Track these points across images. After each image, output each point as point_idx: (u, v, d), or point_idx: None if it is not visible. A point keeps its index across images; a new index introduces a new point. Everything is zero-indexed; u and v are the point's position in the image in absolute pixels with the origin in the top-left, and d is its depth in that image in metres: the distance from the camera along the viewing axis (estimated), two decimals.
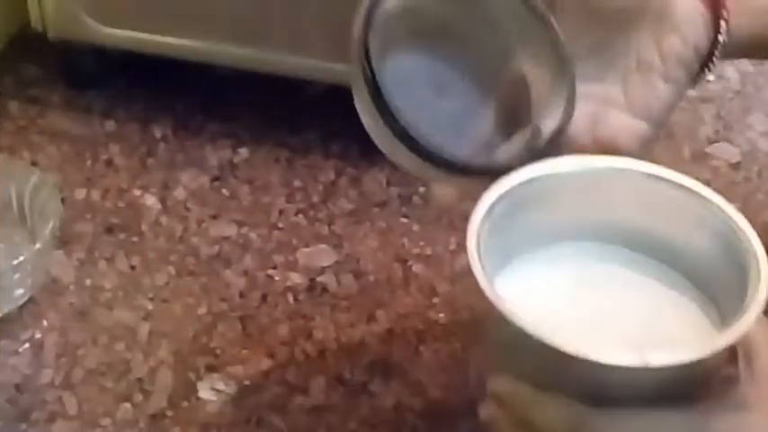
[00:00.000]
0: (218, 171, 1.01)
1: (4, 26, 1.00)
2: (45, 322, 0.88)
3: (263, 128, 1.05)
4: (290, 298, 0.91)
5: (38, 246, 0.87)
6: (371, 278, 0.92)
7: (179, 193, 0.99)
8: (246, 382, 0.84)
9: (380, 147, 0.70)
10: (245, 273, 0.92)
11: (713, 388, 0.58)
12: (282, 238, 0.95)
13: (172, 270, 0.92)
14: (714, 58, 0.69)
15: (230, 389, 0.84)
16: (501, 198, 0.65)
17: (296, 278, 0.92)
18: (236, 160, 1.02)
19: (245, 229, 0.96)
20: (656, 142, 1.02)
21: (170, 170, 1.01)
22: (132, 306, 0.89)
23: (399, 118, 0.68)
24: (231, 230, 0.96)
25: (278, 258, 0.94)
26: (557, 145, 0.67)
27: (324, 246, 0.95)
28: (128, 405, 0.83)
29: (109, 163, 1.01)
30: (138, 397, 0.83)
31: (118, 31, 1.01)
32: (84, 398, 0.83)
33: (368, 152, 1.03)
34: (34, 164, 0.99)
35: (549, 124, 0.68)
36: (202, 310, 0.89)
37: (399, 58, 0.74)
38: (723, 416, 0.57)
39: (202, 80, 1.07)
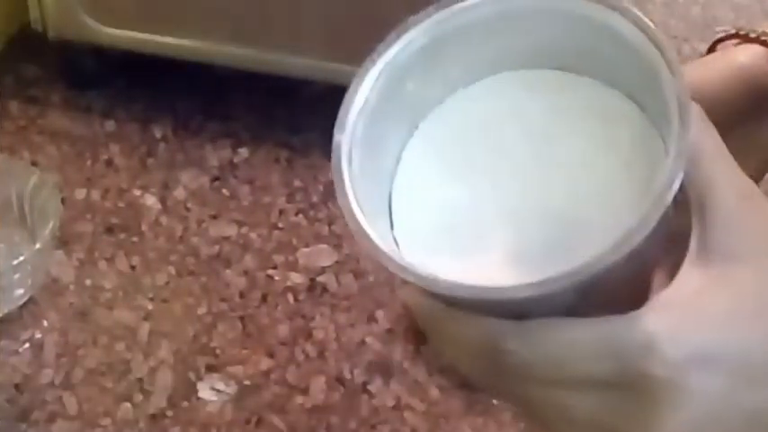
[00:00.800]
0: (218, 171, 1.01)
1: (4, 26, 1.00)
2: (45, 322, 0.88)
3: (263, 128, 1.05)
4: (290, 298, 0.91)
5: (38, 246, 0.87)
6: (371, 278, 0.92)
7: (179, 193, 0.99)
8: (246, 382, 0.85)
9: None
10: (245, 273, 0.92)
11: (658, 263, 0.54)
12: (282, 238, 0.95)
13: (172, 270, 0.92)
14: None
15: (230, 389, 0.84)
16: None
17: (296, 278, 0.92)
18: (236, 160, 1.02)
19: (245, 229, 0.96)
20: None
21: (170, 170, 1.01)
22: (132, 306, 0.89)
23: None
24: (231, 230, 0.96)
25: (278, 258, 0.94)
26: None
27: (324, 246, 0.95)
28: (128, 405, 0.83)
29: (109, 163, 1.01)
30: (138, 397, 0.83)
31: (118, 31, 1.01)
32: (84, 398, 0.83)
33: None
34: (34, 164, 0.99)
35: None
36: (202, 310, 0.89)
37: None
38: (658, 318, 0.50)
39: (202, 80, 1.07)
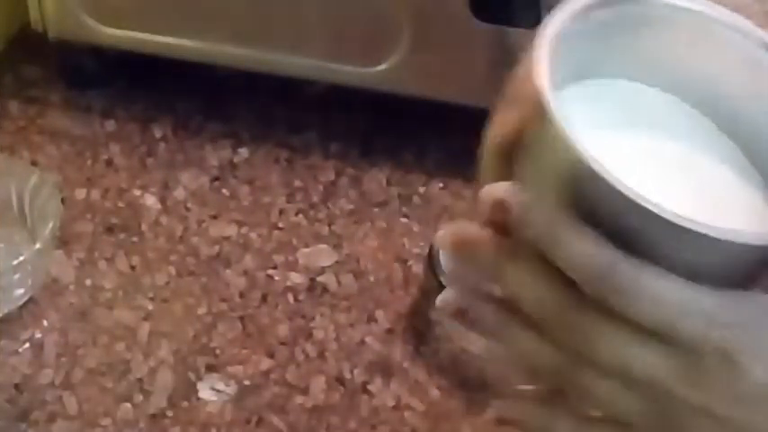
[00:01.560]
0: (218, 171, 1.01)
1: (4, 26, 1.00)
2: (45, 322, 0.88)
3: (263, 128, 1.05)
4: (290, 298, 0.91)
5: (38, 246, 0.87)
6: (371, 278, 0.92)
7: (179, 193, 0.99)
8: (246, 382, 0.85)
9: None
10: (245, 273, 0.92)
11: None
12: (282, 238, 0.95)
13: (172, 270, 0.92)
14: None
15: (230, 389, 0.84)
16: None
17: (296, 278, 0.92)
18: (236, 160, 1.02)
19: (245, 229, 0.96)
20: None
21: (170, 170, 1.01)
22: (132, 306, 0.89)
23: None
24: (231, 230, 0.96)
25: (278, 258, 0.94)
26: None
27: (324, 246, 0.95)
28: (128, 405, 0.83)
29: (109, 163, 1.01)
30: (138, 397, 0.83)
31: (118, 31, 1.01)
32: (84, 398, 0.83)
33: (368, 152, 1.03)
34: (34, 164, 0.99)
35: None
36: (202, 310, 0.89)
37: None
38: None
39: (202, 80, 1.07)
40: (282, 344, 0.87)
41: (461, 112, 0.99)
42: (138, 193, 0.98)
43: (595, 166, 0.49)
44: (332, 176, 1.01)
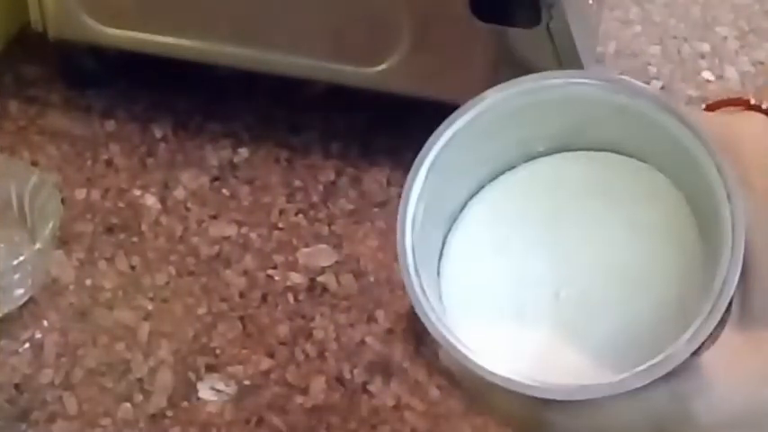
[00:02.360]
0: (218, 171, 1.01)
1: (4, 26, 1.00)
2: (45, 322, 0.88)
3: (263, 128, 1.05)
4: (290, 298, 0.91)
5: (38, 246, 0.87)
6: (371, 278, 0.92)
7: (179, 193, 0.99)
8: (246, 382, 0.85)
9: None
10: (245, 273, 0.92)
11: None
12: (282, 238, 0.95)
13: (172, 270, 0.92)
14: None
15: (230, 389, 0.84)
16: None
17: (296, 278, 0.92)
18: (236, 160, 1.02)
19: (245, 229, 0.96)
20: None
21: (170, 170, 1.01)
22: (132, 306, 0.89)
23: None
24: (231, 230, 0.96)
25: (278, 258, 0.94)
26: None
27: (324, 246, 0.95)
28: (128, 405, 0.83)
29: (109, 163, 1.01)
30: (138, 397, 0.83)
31: (118, 31, 1.01)
32: (84, 398, 0.83)
33: (368, 152, 1.03)
34: (34, 164, 0.99)
35: None
36: (202, 310, 0.89)
37: None
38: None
39: (202, 80, 1.07)
40: (282, 344, 0.87)
41: None
42: (138, 193, 0.98)
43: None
44: (332, 176, 1.01)
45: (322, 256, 0.94)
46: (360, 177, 1.01)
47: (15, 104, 1.06)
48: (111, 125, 1.05)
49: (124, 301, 0.90)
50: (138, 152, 1.02)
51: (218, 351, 0.87)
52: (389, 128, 1.04)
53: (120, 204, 0.97)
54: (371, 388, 0.84)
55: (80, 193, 0.98)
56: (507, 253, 0.58)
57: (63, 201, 0.93)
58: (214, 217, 0.97)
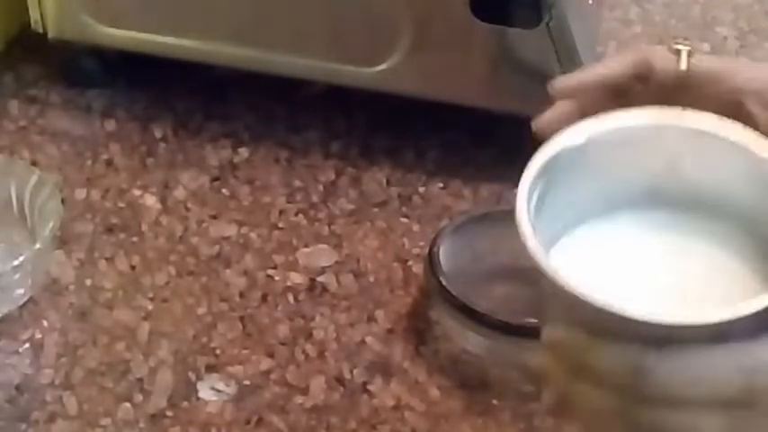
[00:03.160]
0: (218, 171, 1.01)
1: (4, 26, 1.00)
2: (45, 322, 0.88)
3: (263, 128, 1.05)
4: (290, 298, 0.91)
5: (38, 246, 0.87)
6: (371, 278, 0.92)
7: (179, 193, 0.99)
8: (246, 382, 0.84)
9: None
10: (245, 273, 0.92)
11: None
12: (282, 238, 0.95)
13: (172, 270, 0.92)
14: None
15: (230, 389, 0.84)
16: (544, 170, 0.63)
17: (296, 278, 0.92)
18: (236, 160, 1.02)
19: (245, 229, 0.96)
20: None
21: (170, 170, 1.01)
22: (132, 306, 0.89)
23: None
24: (231, 230, 0.96)
25: (278, 258, 0.94)
26: None
27: (324, 246, 0.95)
28: (128, 405, 0.83)
29: (109, 163, 1.01)
30: (139, 397, 0.83)
31: (118, 32, 1.01)
32: (84, 398, 0.83)
33: (368, 152, 1.03)
34: (34, 164, 0.99)
35: None
36: (202, 310, 0.89)
37: None
38: None
39: (202, 80, 1.07)
40: (282, 344, 0.87)
41: (461, 112, 0.99)
42: (138, 193, 0.98)
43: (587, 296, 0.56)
44: (332, 176, 1.01)
45: (322, 256, 0.94)
46: (359, 177, 1.01)
47: (15, 104, 1.06)
48: (111, 125, 1.05)
49: (124, 301, 0.90)
50: (139, 152, 1.02)
51: (218, 351, 0.86)
52: (389, 128, 1.04)
53: (121, 204, 0.97)
54: (371, 388, 0.84)
55: (80, 193, 0.98)
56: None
57: (63, 201, 0.93)
58: (214, 217, 0.97)
